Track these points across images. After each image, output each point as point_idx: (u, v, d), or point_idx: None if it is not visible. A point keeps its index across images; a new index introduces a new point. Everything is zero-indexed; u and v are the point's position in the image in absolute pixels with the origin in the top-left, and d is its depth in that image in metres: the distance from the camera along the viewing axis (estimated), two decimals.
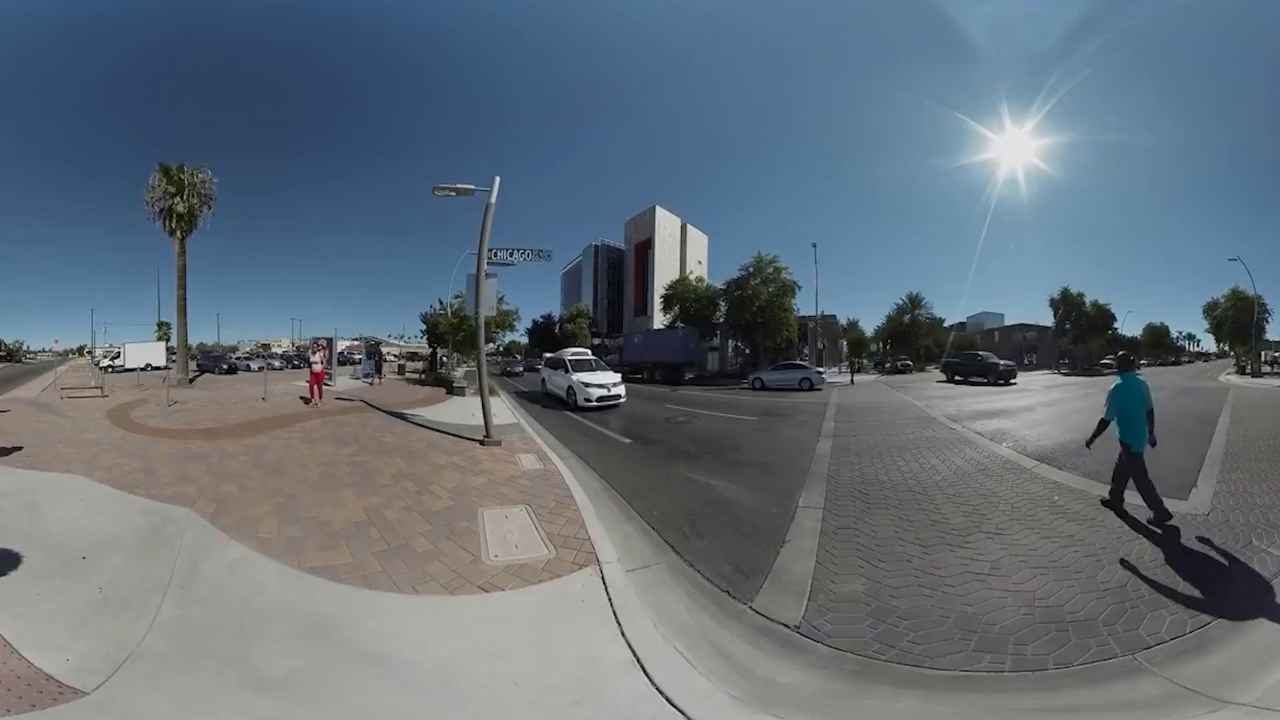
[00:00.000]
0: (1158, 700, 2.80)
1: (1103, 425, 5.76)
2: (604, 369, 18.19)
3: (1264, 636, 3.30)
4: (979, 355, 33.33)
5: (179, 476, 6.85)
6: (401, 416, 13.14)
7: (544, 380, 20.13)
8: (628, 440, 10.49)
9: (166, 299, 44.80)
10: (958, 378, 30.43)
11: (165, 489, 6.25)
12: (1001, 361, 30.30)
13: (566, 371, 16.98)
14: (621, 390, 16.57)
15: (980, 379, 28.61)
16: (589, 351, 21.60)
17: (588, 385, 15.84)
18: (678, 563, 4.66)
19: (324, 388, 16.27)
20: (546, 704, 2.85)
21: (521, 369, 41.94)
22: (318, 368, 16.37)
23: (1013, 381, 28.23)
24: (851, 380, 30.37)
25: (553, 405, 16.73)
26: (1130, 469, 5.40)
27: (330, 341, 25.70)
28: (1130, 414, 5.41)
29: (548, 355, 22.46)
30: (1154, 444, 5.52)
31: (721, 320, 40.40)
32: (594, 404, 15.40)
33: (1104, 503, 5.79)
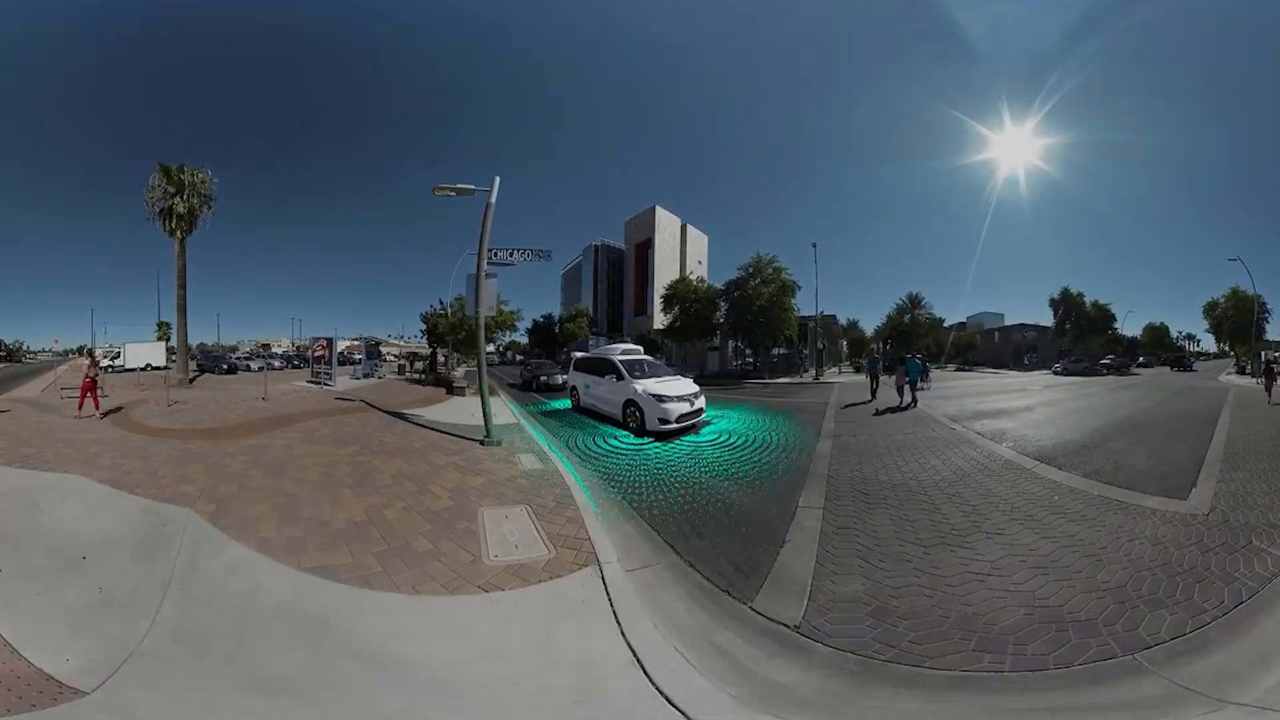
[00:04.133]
0: (1158, 700, 2.80)
1: (906, 375, 16.13)
2: (669, 372, 13.47)
3: (1264, 636, 3.30)
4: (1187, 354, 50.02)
5: (179, 476, 6.85)
6: (401, 416, 13.15)
7: (575, 390, 14.72)
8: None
9: (166, 299, 44.87)
10: (1177, 368, 44.43)
11: (165, 489, 6.25)
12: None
13: (619, 378, 12.22)
14: (703, 403, 12.04)
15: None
16: (640, 348, 15.46)
17: (663, 400, 10.87)
18: (678, 563, 4.66)
19: (98, 397, 12.71)
20: (546, 704, 2.85)
21: (562, 379, 20.72)
22: (91, 373, 13.03)
23: (1193, 368, 44.75)
24: (873, 394, 18.20)
25: (603, 433, 11.14)
26: (911, 383, 16.11)
27: (330, 342, 25.64)
28: (912, 372, 16.17)
29: (578, 355, 15.86)
30: (916, 384, 16.31)
31: (722, 320, 40.39)
32: (673, 425, 10.71)
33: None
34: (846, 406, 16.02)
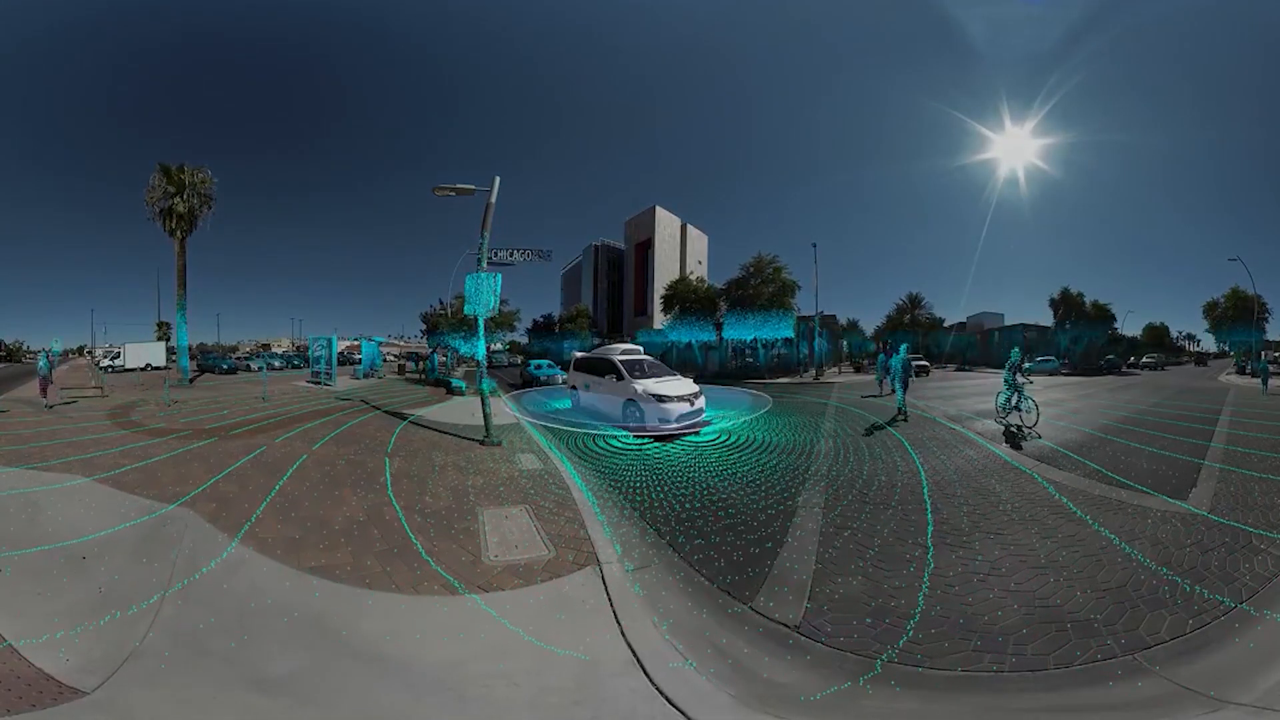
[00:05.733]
0: (1158, 700, 2.80)
1: (891, 371, 14.75)
2: (670, 372, 13.34)
3: (1264, 636, 3.30)
4: None
5: (179, 476, 6.85)
6: (401, 416, 13.15)
7: (575, 390, 14.73)
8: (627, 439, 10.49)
9: (166, 299, 44.98)
10: (1199, 364, 43.89)
11: (165, 489, 6.26)
12: None
13: (619, 378, 12.09)
14: (703, 403, 11.96)
15: None
16: (641, 349, 15.25)
17: (663, 399, 10.81)
18: (678, 563, 4.66)
19: (51, 390, 16.09)
20: (546, 704, 2.85)
21: (562, 379, 20.92)
22: (45, 370, 16.18)
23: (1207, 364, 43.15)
24: (905, 414, 12.81)
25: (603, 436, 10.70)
26: (905, 381, 13.66)
27: (330, 342, 25.66)
28: (895, 367, 13.86)
29: (578, 355, 15.74)
30: (906, 381, 14.01)
31: (722, 320, 40.43)
32: (673, 425, 10.62)
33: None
34: (846, 406, 16.00)
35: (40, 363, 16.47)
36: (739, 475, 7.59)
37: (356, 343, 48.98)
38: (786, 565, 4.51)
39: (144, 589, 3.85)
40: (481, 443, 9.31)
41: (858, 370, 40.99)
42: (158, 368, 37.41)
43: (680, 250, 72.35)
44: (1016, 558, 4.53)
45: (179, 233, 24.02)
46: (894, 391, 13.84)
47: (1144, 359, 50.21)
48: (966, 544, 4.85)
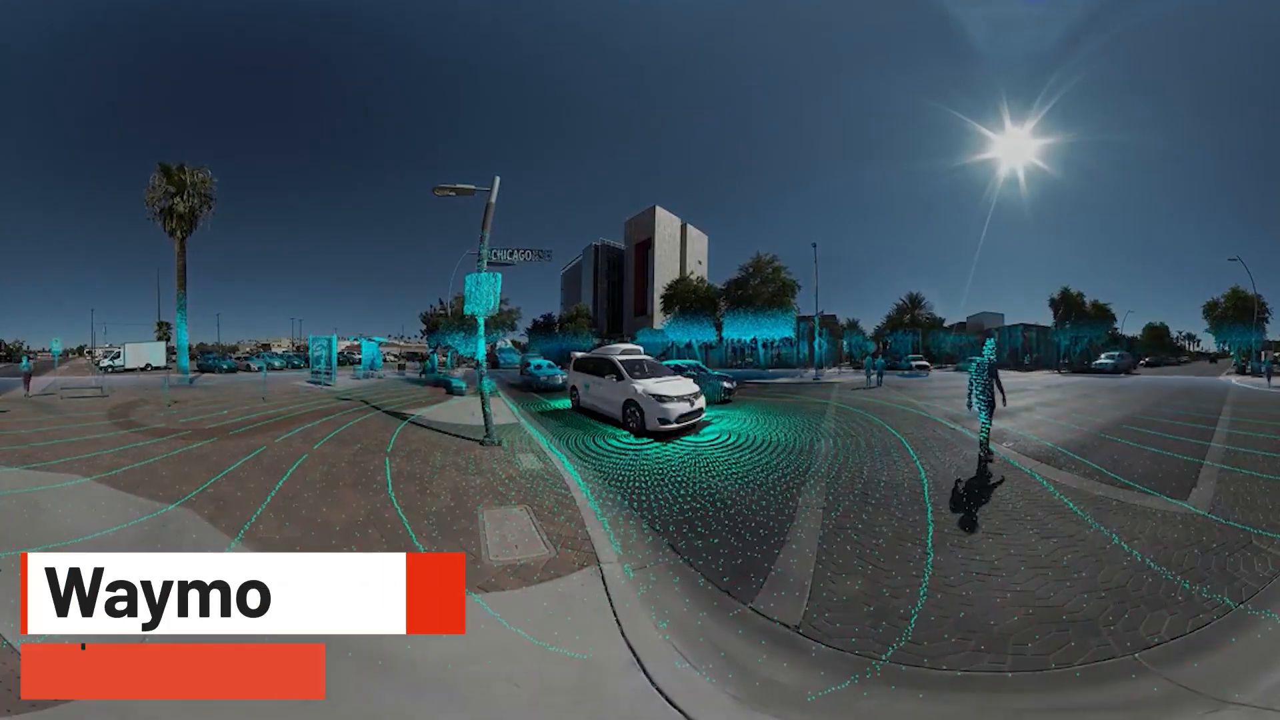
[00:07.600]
0: (1158, 700, 2.80)
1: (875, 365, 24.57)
2: (669, 373, 13.54)
3: (1264, 636, 3.30)
4: None
5: (179, 476, 6.86)
6: (401, 416, 13.15)
7: (575, 390, 14.94)
8: (628, 439, 10.49)
9: (166, 299, 45.02)
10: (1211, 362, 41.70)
11: (165, 489, 6.26)
12: None
13: (619, 378, 12.27)
14: (703, 403, 12.21)
15: None
16: (641, 349, 15.39)
17: (663, 400, 10.95)
18: (678, 563, 4.66)
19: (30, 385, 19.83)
20: (546, 704, 2.85)
21: (563, 379, 20.87)
22: (26, 368, 20.72)
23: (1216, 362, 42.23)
24: (984, 458, 8.23)
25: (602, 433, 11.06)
26: (879, 370, 24.65)
27: (330, 342, 25.70)
28: (879, 364, 25.02)
29: (579, 355, 15.96)
30: (883, 372, 25.23)
31: (722, 320, 40.49)
32: (673, 425, 10.78)
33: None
34: (846, 407, 16.00)
35: (23, 362, 21.55)
36: (739, 475, 7.59)
37: (356, 343, 49.04)
38: (786, 565, 4.51)
39: None
40: (481, 443, 9.31)
41: (857, 369, 41.11)
42: (158, 367, 37.45)
43: (680, 250, 72.51)
44: (1016, 558, 4.52)
45: (179, 233, 24.08)
46: (976, 411, 8.70)
47: (1099, 359, 38.84)
48: (967, 544, 4.85)
